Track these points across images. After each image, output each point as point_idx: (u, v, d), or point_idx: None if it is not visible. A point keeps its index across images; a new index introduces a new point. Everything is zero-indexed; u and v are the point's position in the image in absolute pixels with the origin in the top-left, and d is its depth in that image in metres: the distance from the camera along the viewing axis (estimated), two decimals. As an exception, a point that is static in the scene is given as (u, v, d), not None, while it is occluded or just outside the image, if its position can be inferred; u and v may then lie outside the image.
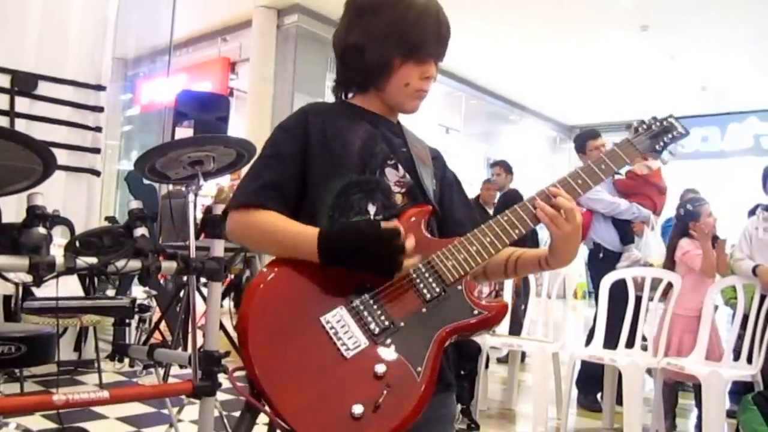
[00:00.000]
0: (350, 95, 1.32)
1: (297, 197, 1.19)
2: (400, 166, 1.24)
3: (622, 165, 1.20)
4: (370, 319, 1.07)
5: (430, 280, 1.11)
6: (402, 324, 1.08)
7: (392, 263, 1.07)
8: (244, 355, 1.04)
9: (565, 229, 1.13)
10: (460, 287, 1.12)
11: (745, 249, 3.53)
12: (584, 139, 4.19)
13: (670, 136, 1.25)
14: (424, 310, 1.09)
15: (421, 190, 1.24)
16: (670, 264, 3.66)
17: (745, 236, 3.57)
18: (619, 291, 3.56)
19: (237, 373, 1.08)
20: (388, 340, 1.06)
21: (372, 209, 1.18)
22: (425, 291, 1.10)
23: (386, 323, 1.08)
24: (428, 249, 1.13)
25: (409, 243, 1.08)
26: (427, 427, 1.08)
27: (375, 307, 1.09)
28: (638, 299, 3.50)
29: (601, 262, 4.05)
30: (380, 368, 1.03)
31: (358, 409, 1.00)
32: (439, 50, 1.24)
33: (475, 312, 1.10)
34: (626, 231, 4.10)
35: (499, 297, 4.17)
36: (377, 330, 1.07)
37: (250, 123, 9.00)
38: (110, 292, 4.27)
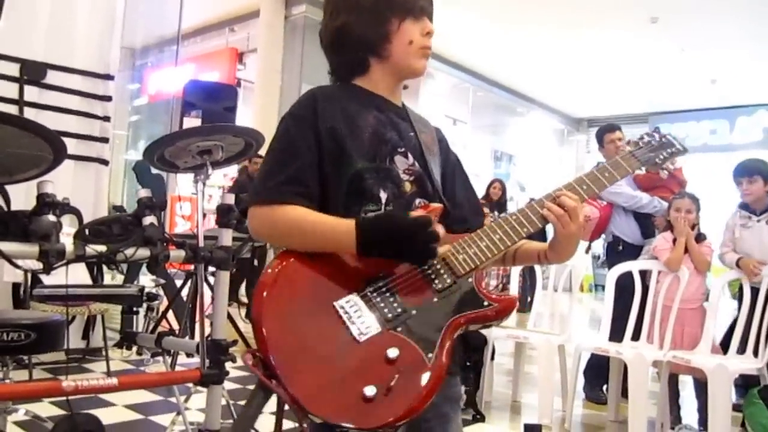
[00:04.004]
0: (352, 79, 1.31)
1: (319, 186, 1.19)
2: (409, 155, 1.26)
3: (625, 175, 1.26)
4: (383, 305, 1.09)
5: (442, 271, 1.14)
6: (414, 312, 1.10)
7: (428, 250, 1.10)
8: (258, 337, 1.05)
9: (570, 228, 1.18)
10: (470, 280, 1.15)
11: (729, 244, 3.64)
12: (602, 132, 4.23)
13: (669, 151, 1.30)
14: (435, 299, 1.12)
15: (429, 178, 1.27)
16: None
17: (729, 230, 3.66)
18: (626, 283, 3.57)
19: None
20: (400, 327, 1.08)
21: (383, 196, 1.20)
22: (437, 282, 1.13)
23: (399, 310, 1.10)
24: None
25: (440, 230, 1.12)
26: (434, 408, 1.09)
27: (388, 294, 1.11)
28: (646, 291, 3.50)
29: (619, 255, 4.03)
30: (392, 353, 1.05)
31: (370, 391, 1.01)
32: (430, 5, 1.28)
33: (485, 304, 1.14)
34: (647, 225, 4.10)
35: (506, 290, 4.16)
36: (390, 316, 1.09)
37: (258, 113, 8.99)
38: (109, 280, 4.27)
